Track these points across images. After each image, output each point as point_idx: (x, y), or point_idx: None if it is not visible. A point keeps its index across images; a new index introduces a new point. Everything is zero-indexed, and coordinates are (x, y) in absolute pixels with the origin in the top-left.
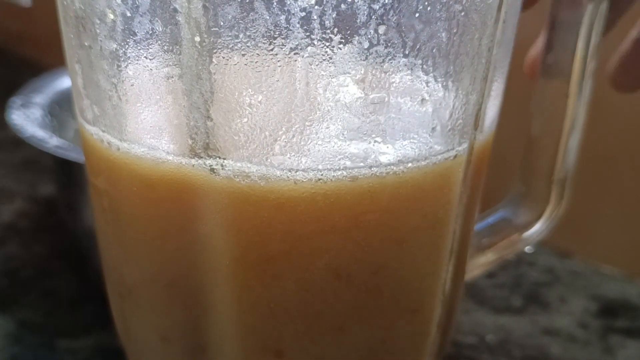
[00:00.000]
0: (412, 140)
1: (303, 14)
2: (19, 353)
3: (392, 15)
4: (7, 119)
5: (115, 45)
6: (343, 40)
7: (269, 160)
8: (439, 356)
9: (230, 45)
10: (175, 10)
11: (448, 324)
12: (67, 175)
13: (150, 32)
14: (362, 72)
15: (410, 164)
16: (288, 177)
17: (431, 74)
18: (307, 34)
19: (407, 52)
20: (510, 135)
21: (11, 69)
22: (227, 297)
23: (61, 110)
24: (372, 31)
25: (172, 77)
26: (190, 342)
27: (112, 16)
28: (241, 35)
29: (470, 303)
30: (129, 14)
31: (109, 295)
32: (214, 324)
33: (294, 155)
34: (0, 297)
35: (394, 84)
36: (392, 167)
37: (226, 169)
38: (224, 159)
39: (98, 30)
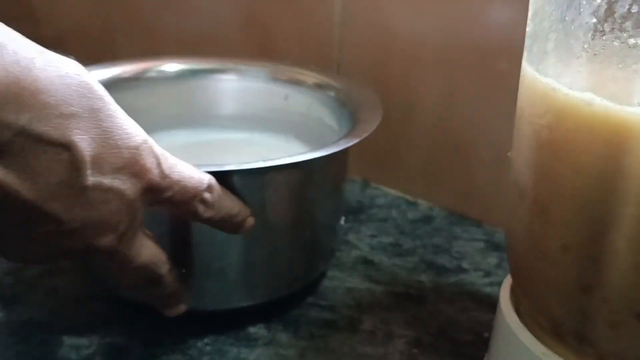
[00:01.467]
0: None
1: None
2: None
3: None
4: None
5: (595, 21)
6: None
7: None
8: None
9: None
10: None
11: None
12: None
13: (625, 13)
14: None
15: None
16: None
17: None
18: None
19: None
20: None
21: None
22: (633, 216)
23: None
24: None
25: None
26: (586, 252)
27: (599, 0)
28: None
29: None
30: None
31: (515, 216)
32: (612, 239)
33: None
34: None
35: None
36: None
37: None
38: None
39: (583, 9)
